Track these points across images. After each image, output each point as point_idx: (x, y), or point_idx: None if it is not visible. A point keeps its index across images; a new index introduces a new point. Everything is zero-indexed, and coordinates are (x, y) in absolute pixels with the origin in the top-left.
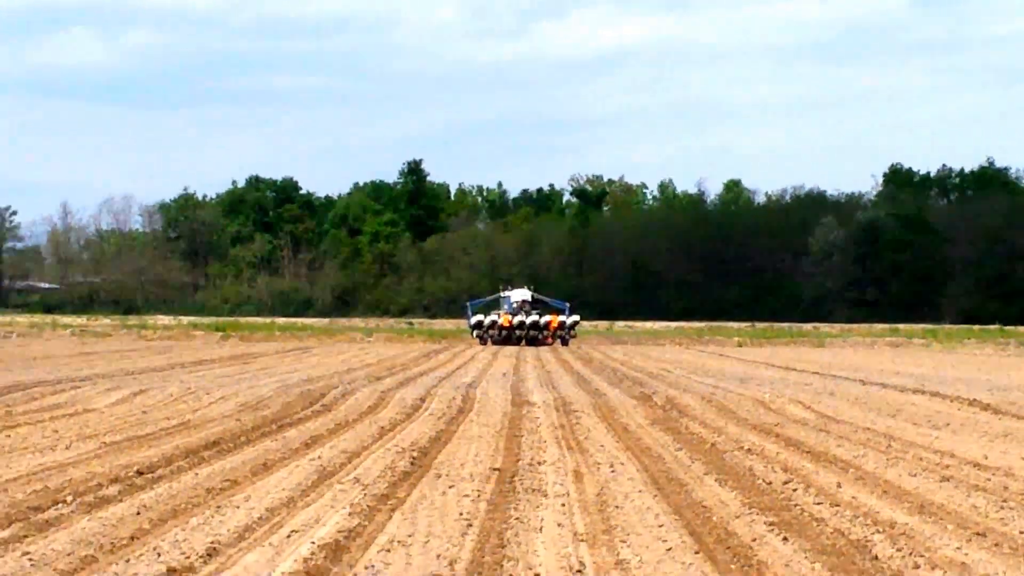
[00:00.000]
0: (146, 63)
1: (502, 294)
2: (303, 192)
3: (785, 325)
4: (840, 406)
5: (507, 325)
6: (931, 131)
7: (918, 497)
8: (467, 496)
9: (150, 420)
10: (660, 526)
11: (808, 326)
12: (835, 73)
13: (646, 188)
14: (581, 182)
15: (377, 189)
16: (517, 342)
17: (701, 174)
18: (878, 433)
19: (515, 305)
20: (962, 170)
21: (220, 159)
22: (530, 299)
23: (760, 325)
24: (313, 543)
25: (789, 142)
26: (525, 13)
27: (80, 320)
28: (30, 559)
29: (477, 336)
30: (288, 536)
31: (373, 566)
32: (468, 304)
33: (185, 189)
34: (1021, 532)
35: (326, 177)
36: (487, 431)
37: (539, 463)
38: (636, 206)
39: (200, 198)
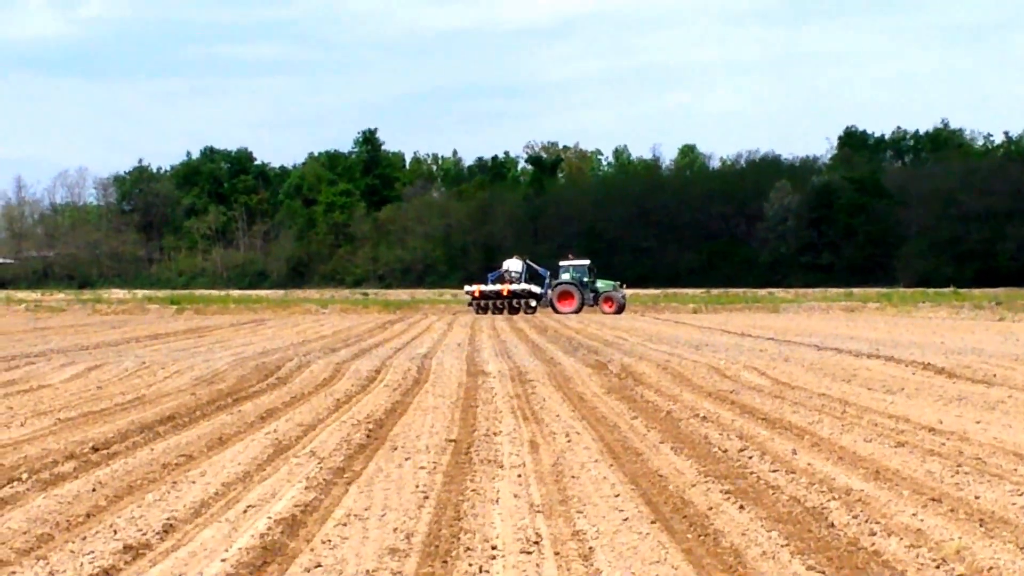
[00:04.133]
0: (99, 34)
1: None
2: (257, 163)
3: (740, 291)
4: (795, 372)
5: (477, 296)
6: (886, 93)
7: (873, 463)
8: (423, 468)
9: (105, 395)
10: (616, 496)
11: (763, 291)
12: (788, 35)
13: (601, 154)
14: (536, 149)
15: (332, 159)
16: (497, 311)
17: (656, 140)
18: (833, 399)
19: (501, 274)
20: (916, 132)
21: (174, 130)
22: (517, 269)
23: (715, 291)
24: (270, 518)
25: (744, 106)
26: None
27: (34, 295)
28: None
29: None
30: (244, 511)
31: (330, 540)
32: (488, 276)
33: (139, 161)
34: (976, 497)
35: (281, 147)
36: (442, 402)
37: (495, 434)
38: (591, 173)
39: (154, 170)
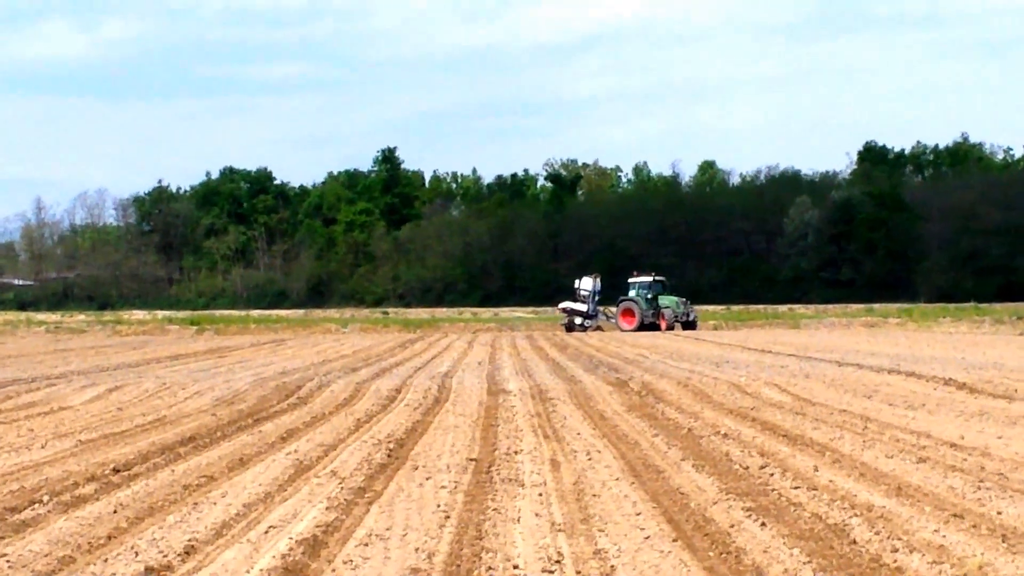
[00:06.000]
0: (119, 55)
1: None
2: (277, 182)
3: (760, 307)
4: (816, 388)
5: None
6: (906, 108)
7: (895, 479)
8: (444, 487)
9: (125, 417)
10: (638, 514)
11: (783, 307)
12: (809, 50)
13: (620, 171)
14: (555, 167)
15: (351, 178)
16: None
17: (675, 156)
18: (854, 415)
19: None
20: (936, 146)
21: (194, 150)
22: (587, 287)
23: (736, 308)
24: (291, 538)
25: (763, 121)
26: None
27: (55, 316)
28: (7, 561)
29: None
30: (266, 532)
31: (351, 561)
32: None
33: (159, 182)
34: (998, 513)
35: (300, 167)
36: (463, 421)
37: (516, 452)
38: (611, 190)
39: (174, 191)
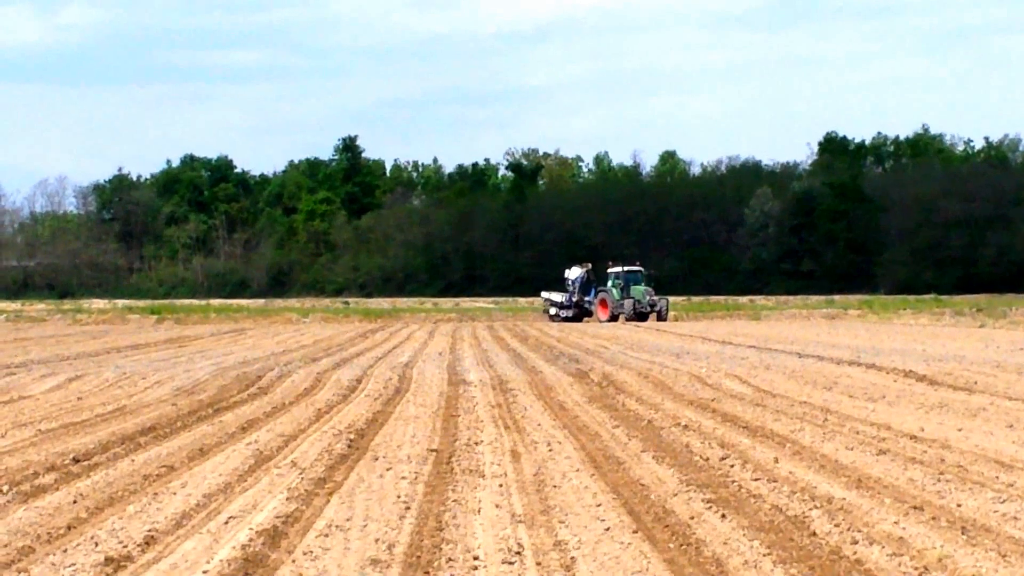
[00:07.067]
0: (79, 41)
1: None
2: (238, 171)
3: (721, 298)
4: (776, 379)
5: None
6: (866, 98)
7: (855, 471)
8: (404, 478)
9: (85, 406)
10: (598, 505)
11: (744, 298)
12: (768, 41)
13: (582, 161)
14: (517, 156)
15: (312, 167)
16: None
17: (637, 146)
18: (815, 406)
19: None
20: (897, 138)
21: (155, 138)
22: (571, 277)
23: (696, 298)
24: (251, 529)
25: (724, 112)
26: None
27: (14, 305)
28: None
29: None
30: (226, 522)
31: (312, 552)
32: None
33: (120, 169)
34: (958, 505)
35: (261, 155)
36: (424, 411)
37: (476, 443)
38: (572, 179)
39: (135, 179)
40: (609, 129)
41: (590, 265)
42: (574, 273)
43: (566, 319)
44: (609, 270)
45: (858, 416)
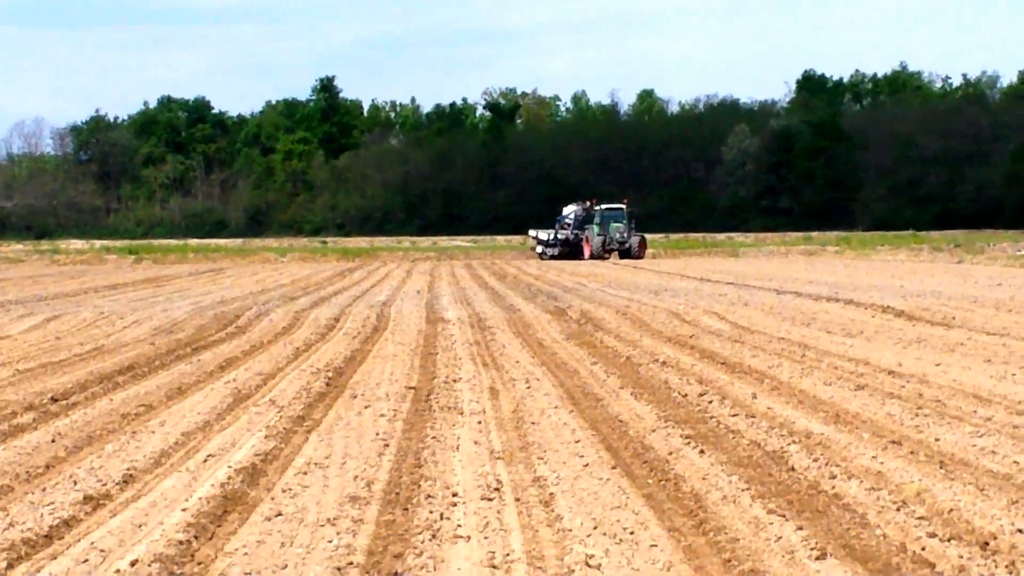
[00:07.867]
0: None
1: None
2: (215, 112)
3: (699, 236)
4: (754, 316)
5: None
6: (844, 36)
7: (833, 406)
8: (383, 416)
9: (64, 346)
10: (576, 442)
11: (722, 236)
12: None
13: (559, 100)
14: (494, 96)
15: (290, 107)
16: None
17: (614, 85)
18: (793, 342)
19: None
20: (875, 75)
21: (132, 79)
22: (565, 213)
23: (674, 236)
24: (230, 467)
25: (702, 50)
26: None
27: None
28: None
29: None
30: (204, 461)
31: (291, 489)
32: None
33: (97, 111)
34: (936, 440)
35: (238, 96)
36: (402, 349)
37: (455, 380)
38: (550, 119)
39: (112, 120)
40: (587, 68)
41: (589, 203)
42: (568, 210)
43: (553, 257)
44: (595, 208)
45: (836, 352)
